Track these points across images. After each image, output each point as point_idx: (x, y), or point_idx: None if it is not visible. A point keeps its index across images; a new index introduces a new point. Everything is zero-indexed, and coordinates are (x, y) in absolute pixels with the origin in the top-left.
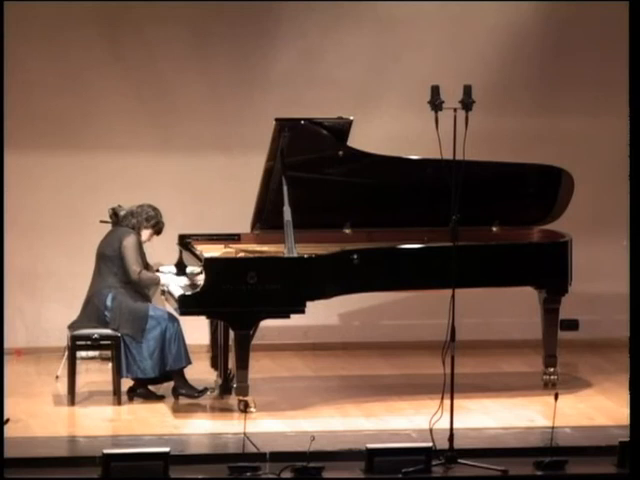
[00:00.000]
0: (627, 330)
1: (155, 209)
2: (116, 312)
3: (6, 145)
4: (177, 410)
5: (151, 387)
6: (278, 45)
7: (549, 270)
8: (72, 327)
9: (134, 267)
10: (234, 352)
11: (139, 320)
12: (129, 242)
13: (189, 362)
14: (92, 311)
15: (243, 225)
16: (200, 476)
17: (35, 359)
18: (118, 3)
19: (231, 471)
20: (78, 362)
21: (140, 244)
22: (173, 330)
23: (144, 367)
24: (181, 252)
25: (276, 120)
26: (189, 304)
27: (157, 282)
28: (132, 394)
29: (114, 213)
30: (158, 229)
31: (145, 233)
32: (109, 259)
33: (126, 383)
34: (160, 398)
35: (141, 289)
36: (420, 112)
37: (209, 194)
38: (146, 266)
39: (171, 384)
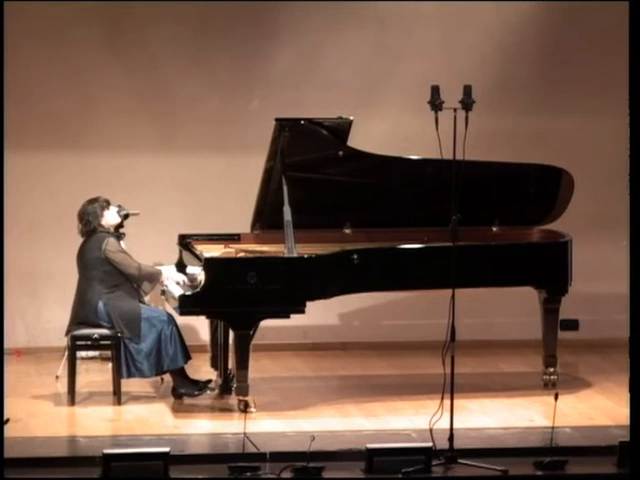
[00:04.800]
0: (627, 330)
1: (88, 201)
2: (111, 318)
3: (6, 145)
4: (177, 410)
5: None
6: (278, 45)
7: (549, 270)
8: (67, 334)
9: (133, 264)
10: (234, 352)
11: (134, 321)
12: (111, 246)
13: (189, 358)
14: (86, 318)
15: (243, 225)
16: (200, 476)
17: (35, 359)
18: (118, 3)
19: (231, 471)
20: (78, 362)
21: (119, 244)
22: (169, 331)
23: (141, 368)
24: (181, 252)
25: (276, 120)
26: (189, 304)
27: (159, 274)
28: (174, 393)
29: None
30: (107, 204)
31: (106, 220)
32: (92, 266)
33: (126, 383)
34: (206, 384)
35: (137, 287)
36: (420, 112)
37: (209, 194)
38: None
39: (171, 384)
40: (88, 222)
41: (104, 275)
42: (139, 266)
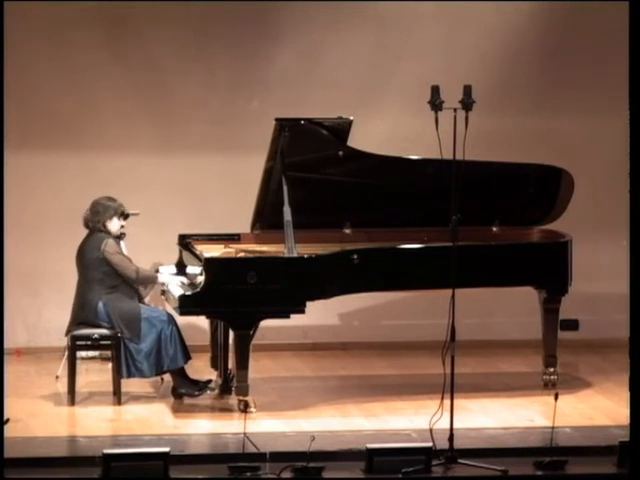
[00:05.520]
0: (627, 330)
1: (106, 198)
2: (111, 318)
3: (7, 146)
4: (177, 410)
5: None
6: (278, 45)
7: (549, 270)
8: (67, 334)
9: (131, 267)
10: (234, 352)
11: (134, 321)
12: (110, 247)
13: (189, 358)
14: (85, 319)
15: (243, 225)
16: (200, 476)
17: (35, 359)
18: (118, 4)
19: (231, 471)
20: (78, 362)
21: (119, 245)
22: (169, 331)
23: (141, 368)
24: (181, 252)
25: (276, 120)
26: (189, 304)
27: (154, 279)
28: (174, 393)
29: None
30: (121, 213)
31: (112, 225)
32: (91, 267)
33: (126, 383)
34: (206, 384)
35: (136, 288)
36: (420, 112)
37: (209, 194)
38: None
39: (171, 384)
40: (96, 213)
41: (103, 276)
42: (137, 269)
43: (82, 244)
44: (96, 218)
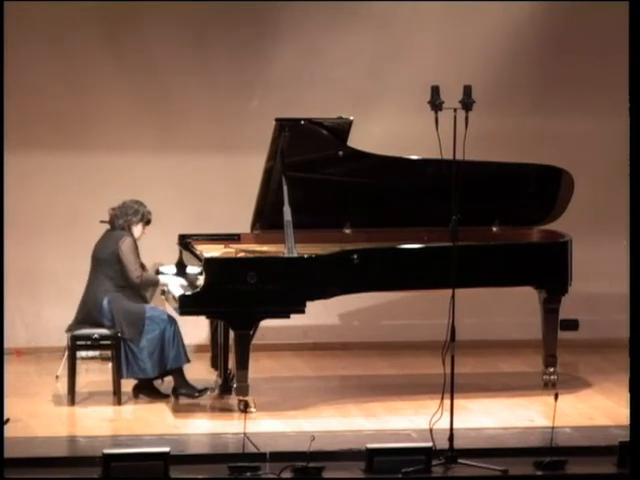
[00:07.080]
0: (627, 330)
1: (137, 202)
2: (114, 316)
3: (7, 146)
4: (177, 410)
5: (156, 384)
6: (278, 45)
7: (549, 270)
8: (69, 331)
9: (136, 272)
10: (234, 352)
11: (137, 322)
12: (126, 246)
13: (188, 361)
14: (87, 315)
15: (243, 225)
16: (200, 476)
17: (35, 359)
18: (118, 3)
19: (231, 471)
20: (78, 362)
21: (136, 246)
22: (172, 331)
23: (144, 367)
24: (181, 252)
25: (276, 120)
26: (189, 304)
27: (156, 284)
28: (137, 392)
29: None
30: (147, 220)
31: (136, 229)
32: (105, 263)
33: (126, 383)
34: (165, 397)
35: (140, 291)
36: (420, 112)
37: (209, 194)
38: (141, 266)
39: (172, 384)
40: (126, 214)
41: (115, 274)
42: (141, 275)
43: (100, 240)
44: (124, 218)
